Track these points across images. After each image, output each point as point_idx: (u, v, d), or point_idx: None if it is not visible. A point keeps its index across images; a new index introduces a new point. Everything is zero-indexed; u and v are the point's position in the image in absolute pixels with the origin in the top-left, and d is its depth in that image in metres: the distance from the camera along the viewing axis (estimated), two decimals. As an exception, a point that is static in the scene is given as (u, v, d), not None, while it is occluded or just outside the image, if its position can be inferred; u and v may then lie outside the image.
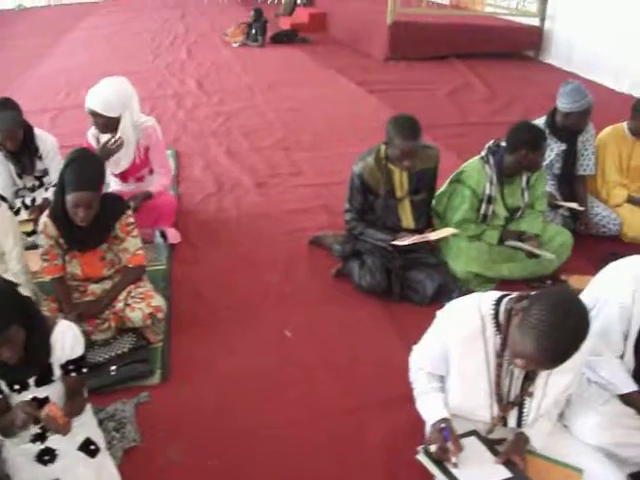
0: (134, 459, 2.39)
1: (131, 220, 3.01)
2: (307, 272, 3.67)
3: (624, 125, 4.40)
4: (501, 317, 2.02)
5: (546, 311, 1.78)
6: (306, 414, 2.63)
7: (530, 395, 2.09)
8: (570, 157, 4.20)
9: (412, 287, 3.38)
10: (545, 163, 4.16)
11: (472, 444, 2.12)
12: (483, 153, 3.53)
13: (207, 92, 7.23)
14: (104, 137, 3.73)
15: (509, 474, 2.01)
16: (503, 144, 3.50)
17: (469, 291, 3.43)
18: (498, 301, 2.05)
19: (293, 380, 2.83)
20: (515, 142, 3.39)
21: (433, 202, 3.69)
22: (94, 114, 3.61)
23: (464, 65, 8.64)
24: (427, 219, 3.65)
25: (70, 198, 2.71)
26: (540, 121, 4.19)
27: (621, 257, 3.87)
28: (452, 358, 2.10)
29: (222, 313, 3.30)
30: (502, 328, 2.01)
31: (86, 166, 2.78)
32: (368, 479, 2.36)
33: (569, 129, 4.08)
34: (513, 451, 2.07)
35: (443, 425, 2.07)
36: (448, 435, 2.03)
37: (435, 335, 2.19)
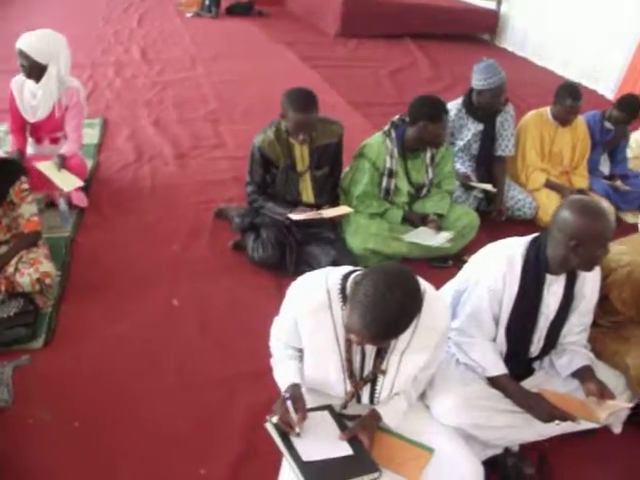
0: (4, 419, 2.40)
1: (25, 186, 2.96)
2: (207, 243, 3.64)
3: (547, 110, 4.41)
4: (348, 291, 2.00)
5: (371, 285, 1.73)
6: (179, 382, 2.65)
7: (383, 372, 2.06)
8: (488, 138, 4.18)
9: (308, 262, 3.36)
10: (462, 143, 4.17)
11: (322, 418, 2.08)
12: (386, 127, 3.51)
13: (149, 61, 7.11)
14: (27, 88, 3.77)
15: (350, 451, 1.97)
16: (407, 119, 3.48)
17: (366, 267, 3.43)
18: (347, 275, 2.01)
19: (172, 348, 2.84)
20: (415, 114, 3.36)
21: (341, 178, 3.67)
22: (21, 54, 3.64)
23: (416, 45, 8.60)
24: (332, 195, 3.63)
25: None
26: (458, 101, 4.18)
27: None
28: (302, 331, 2.06)
29: (117, 281, 3.28)
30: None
31: None
32: (229, 449, 2.36)
33: (484, 108, 4.06)
34: (361, 428, 2.03)
35: (287, 395, 2.03)
36: (291, 405, 1.98)
37: (285, 308, 2.15)
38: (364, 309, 1.72)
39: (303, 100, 3.19)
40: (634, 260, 2.62)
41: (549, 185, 4.36)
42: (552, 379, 2.51)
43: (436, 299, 2.05)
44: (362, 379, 2.08)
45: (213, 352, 2.84)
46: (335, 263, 3.24)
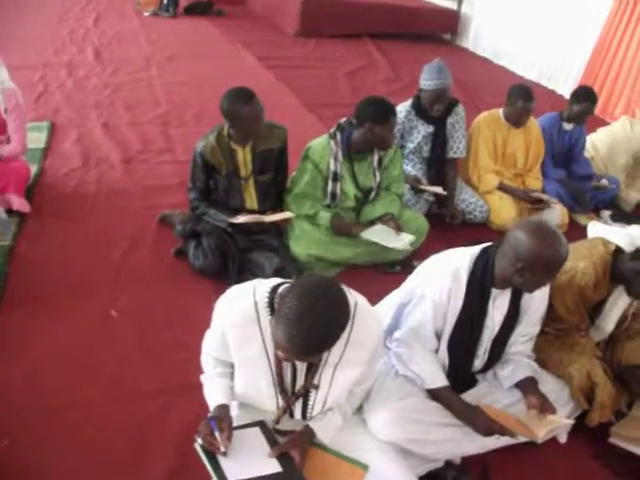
0: None
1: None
2: (150, 250, 3.55)
3: (500, 111, 4.38)
4: (276, 304, 1.93)
5: (296, 299, 1.66)
6: (113, 395, 2.58)
7: (315, 387, 2.00)
8: (438, 140, 4.13)
9: (251, 270, 3.27)
10: (413, 145, 4.13)
11: (253, 435, 2.02)
12: (332, 129, 3.44)
13: (102, 62, 6.95)
14: None
15: (279, 468, 1.91)
16: (354, 121, 3.41)
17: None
18: (275, 288, 1.93)
19: (108, 359, 2.77)
20: (361, 116, 3.29)
21: (288, 183, 3.60)
22: None
23: (375, 45, 8.55)
24: (277, 201, 3.55)
25: None
26: (407, 102, 4.13)
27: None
28: (230, 345, 1.99)
29: (56, 291, 3.18)
30: None
31: None
32: (162, 462, 2.30)
33: (430, 109, 4.02)
34: (291, 444, 1.97)
35: (210, 415, 1.97)
36: (214, 425, 1.92)
37: (214, 320, 2.08)
38: (288, 324, 1.66)
39: (246, 92, 3.13)
40: (575, 265, 2.59)
41: (502, 188, 4.32)
42: (495, 390, 2.47)
43: (367, 312, 2.00)
44: (294, 394, 2.02)
45: (149, 363, 2.76)
46: (279, 270, 3.20)
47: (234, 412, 2.14)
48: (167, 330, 2.96)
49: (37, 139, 4.84)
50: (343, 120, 3.44)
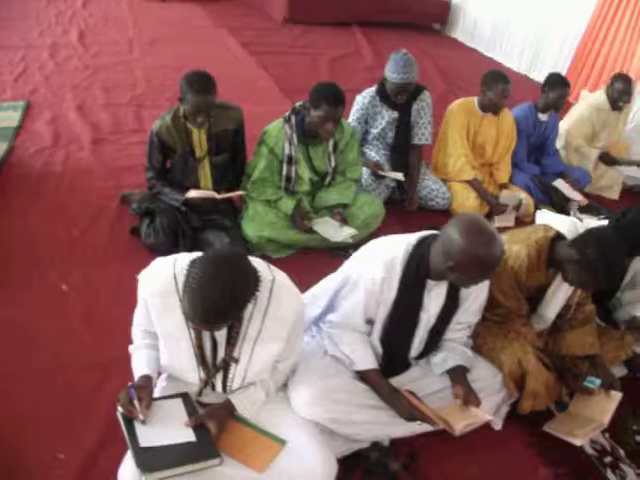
0: None
1: None
2: (107, 229, 3.59)
3: (475, 100, 4.37)
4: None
5: (200, 269, 1.72)
6: (53, 366, 2.62)
7: (235, 360, 2.03)
8: (403, 126, 4.13)
9: (202, 248, 3.28)
10: (377, 131, 4.13)
11: (174, 406, 2.06)
12: (287, 113, 3.46)
13: (86, 45, 6.94)
14: None
15: (193, 438, 1.96)
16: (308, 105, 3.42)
17: (263, 256, 3.40)
18: (195, 261, 1.97)
19: (54, 333, 2.81)
20: (314, 100, 3.30)
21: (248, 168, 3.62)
22: None
23: (363, 33, 8.52)
24: (235, 182, 3.58)
25: None
26: (372, 88, 4.13)
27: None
28: (152, 316, 2.03)
29: (13, 266, 3.22)
30: None
31: None
32: (91, 433, 2.34)
33: (394, 98, 4.02)
34: (208, 416, 2.01)
35: (130, 384, 2.01)
36: (133, 394, 1.96)
37: (138, 292, 2.11)
38: (192, 293, 1.71)
39: (201, 82, 3.14)
40: (509, 248, 2.61)
41: (473, 184, 4.31)
42: (428, 375, 2.48)
43: (285, 289, 2.03)
44: (214, 367, 2.05)
45: (92, 337, 2.81)
46: (229, 250, 3.22)
47: (162, 384, 2.19)
48: (115, 306, 2.99)
49: (11, 118, 4.88)
50: (298, 104, 3.46)
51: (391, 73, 3.87)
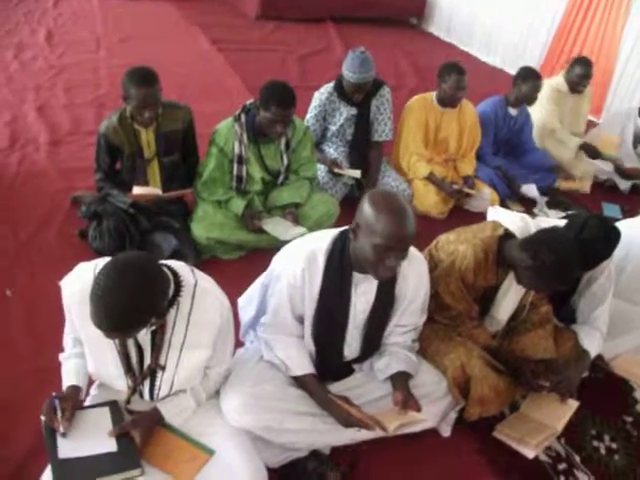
0: None
1: None
2: (56, 232, 3.52)
3: (432, 95, 4.32)
4: None
5: (103, 275, 1.65)
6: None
7: (161, 368, 1.98)
8: (362, 122, 4.07)
9: (151, 251, 3.24)
10: (335, 128, 4.07)
11: (100, 415, 2.01)
12: (237, 111, 3.39)
13: (53, 44, 6.84)
14: None
15: (114, 448, 1.91)
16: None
17: (213, 258, 3.35)
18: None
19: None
20: (263, 100, 3.22)
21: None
22: None
23: (336, 29, 8.45)
24: (187, 183, 3.50)
25: None
26: (330, 84, 4.07)
27: None
28: (76, 323, 1.97)
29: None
30: None
31: None
32: (26, 438, 2.29)
33: (351, 95, 3.96)
34: (133, 425, 1.95)
35: (54, 394, 1.96)
36: (57, 404, 1.91)
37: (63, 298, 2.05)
38: (95, 299, 1.65)
39: (143, 75, 3.07)
40: (456, 249, 2.54)
41: (430, 179, 4.24)
42: (370, 381, 2.41)
43: (208, 294, 1.98)
44: (141, 374, 2.00)
45: (32, 343, 2.76)
46: (176, 252, 3.17)
47: (94, 392, 2.15)
48: (57, 311, 2.86)
49: (-32, 120, 4.79)
50: (249, 102, 3.39)
51: (348, 72, 3.81)
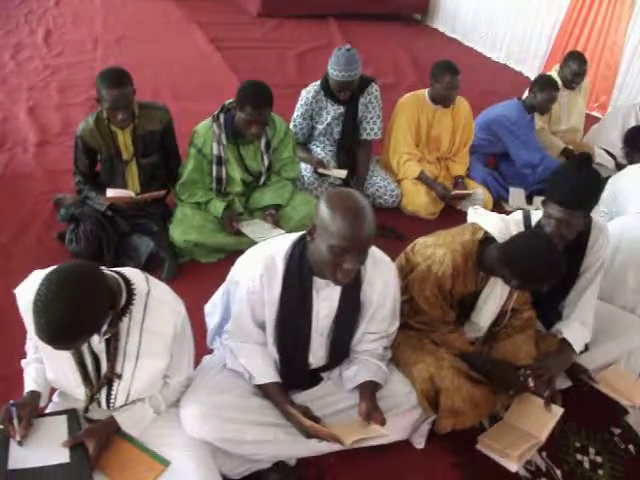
0: None
1: None
2: (36, 235, 3.49)
3: (425, 92, 4.24)
4: None
5: (44, 286, 1.60)
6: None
7: (117, 376, 1.94)
8: (350, 121, 3.99)
9: (128, 254, 3.21)
10: (322, 127, 4.01)
11: (57, 424, 1.98)
12: (216, 111, 3.33)
13: (50, 44, 6.82)
14: None
15: (67, 459, 1.87)
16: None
17: (192, 261, 3.30)
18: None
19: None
20: (238, 101, 3.17)
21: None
22: None
23: (338, 26, 8.36)
24: (168, 183, 3.46)
25: None
26: (316, 83, 4.00)
27: (390, 231, 3.84)
28: (29, 329, 1.94)
29: None
30: None
31: None
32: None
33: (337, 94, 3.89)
34: (88, 435, 1.91)
35: (12, 401, 1.91)
36: (14, 412, 1.87)
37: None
38: (36, 310, 1.60)
39: (114, 76, 3.03)
40: (433, 253, 2.46)
41: (421, 179, 4.15)
42: (339, 391, 2.33)
43: (161, 302, 1.93)
44: (98, 383, 1.96)
45: (2, 349, 2.71)
46: (154, 255, 3.12)
47: (55, 399, 2.11)
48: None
49: (-41, 121, 4.77)
50: (228, 102, 3.32)
51: (333, 70, 3.75)
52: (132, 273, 1.92)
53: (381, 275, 2.21)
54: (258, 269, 2.10)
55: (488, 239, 2.42)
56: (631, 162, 4.02)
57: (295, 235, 2.17)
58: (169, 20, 8.17)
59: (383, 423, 2.13)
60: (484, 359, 2.54)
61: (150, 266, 3.16)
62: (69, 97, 5.43)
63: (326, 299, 2.16)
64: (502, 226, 2.43)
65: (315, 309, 2.16)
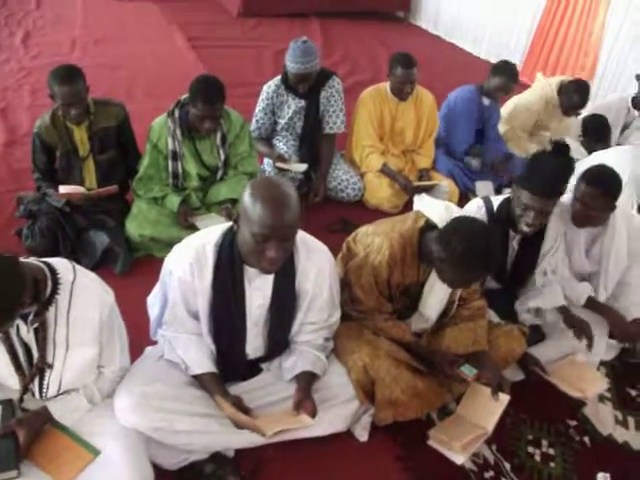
0: None
1: None
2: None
3: (387, 85, 4.21)
4: None
5: None
6: None
7: (48, 366, 1.95)
8: (311, 114, 3.99)
9: (85, 250, 3.22)
10: (284, 121, 4.00)
11: None
12: (171, 107, 3.33)
13: (28, 46, 6.83)
14: None
15: None
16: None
17: (149, 256, 3.31)
18: None
19: None
20: (191, 94, 3.18)
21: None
22: None
23: (320, 24, 8.36)
24: (126, 181, 3.48)
25: None
26: (277, 77, 4.00)
27: (352, 225, 3.84)
28: None
29: None
30: None
31: None
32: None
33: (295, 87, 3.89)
34: (19, 424, 1.94)
35: None
36: None
37: None
38: None
39: (65, 72, 3.04)
40: (371, 242, 2.46)
41: (384, 171, 4.15)
42: (278, 381, 2.34)
43: (87, 290, 1.95)
44: (30, 372, 1.98)
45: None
46: (109, 250, 3.13)
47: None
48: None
49: None
50: (183, 97, 3.33)
51: (289, 62, 3.75)
52: (59, 263, 1.94)
53: (315, 264, 2.21)
54: (188, 258, 2.11)
55: (430, 227, 2.40)
56: (591, 152, 3.99)
57: (226, 224, 2.17)
58: (149, 21, 8.17)
59: (314, 413, 2.14)
60: (425, 349, 2.53)
61: (105, 261, 3.18)
62: (41, 98, 5.39)
63: (259, 289, 2.17)
64: (446, 214, 2.39)
65: (248, 299, 2.17)
